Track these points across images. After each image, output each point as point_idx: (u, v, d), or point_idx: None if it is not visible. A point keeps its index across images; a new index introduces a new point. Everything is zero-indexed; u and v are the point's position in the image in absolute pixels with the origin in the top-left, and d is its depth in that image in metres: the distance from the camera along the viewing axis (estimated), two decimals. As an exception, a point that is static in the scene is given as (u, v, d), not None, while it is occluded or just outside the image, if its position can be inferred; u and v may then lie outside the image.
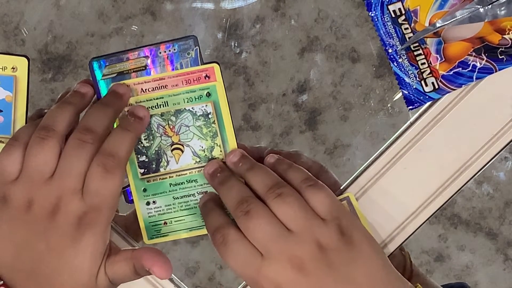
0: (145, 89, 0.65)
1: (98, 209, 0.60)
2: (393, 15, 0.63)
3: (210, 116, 0.65)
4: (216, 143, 0.66)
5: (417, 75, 0.64)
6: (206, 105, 0.65)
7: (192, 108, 0.65)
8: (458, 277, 1.58)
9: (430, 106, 0.65)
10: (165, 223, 0.66)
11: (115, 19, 1.46)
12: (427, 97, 0.64)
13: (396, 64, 0.64)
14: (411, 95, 0.64)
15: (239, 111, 1.49)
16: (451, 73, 0.63)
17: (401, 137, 0.65)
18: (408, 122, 0.66)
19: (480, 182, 1.55)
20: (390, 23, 0.64)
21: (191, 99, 0.65)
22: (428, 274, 1.55)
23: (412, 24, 0.63)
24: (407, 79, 0.64)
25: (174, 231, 0.67)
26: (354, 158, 1.52)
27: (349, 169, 1.51)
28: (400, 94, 0.64)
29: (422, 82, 0.64)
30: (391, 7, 0.63)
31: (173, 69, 0.65)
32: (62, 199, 0.59)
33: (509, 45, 0.63)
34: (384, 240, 0.66)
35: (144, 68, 0.65)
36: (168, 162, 0.66)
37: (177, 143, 0.66)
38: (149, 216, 0.66)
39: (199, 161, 0.66)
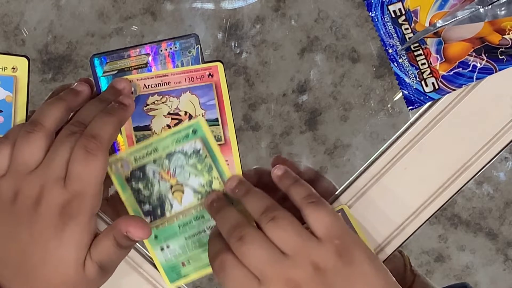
0: (148, 85, 0.65)
1: (81, 197, 0.59)
2: (393, 15, 0.63)
3: (201, 152, 0.66)
4: (214, 176, 0.66)
5: (417, 75, 0.64)
6: (195, 142, 0.65)
7: (182, 148, 0.65)
8: (458, 278, 1.58)
9: (430, 106, 0.65)
10: (183, 264, 0.67)
11: (115, 19, 1.46)
12: (427, 97, 0.64)
13: (396, 64, 0.64)
14: (411, 95, 0.64)
15: (239, 111, 1.49)
16: (451, 73, 0.63)
17: (401, 137, 0.65)
18: (408, 123, 0.66)
19: (480, 182, 1.55)
20: (390, 23, 0.64)
21: (178, 140, 0.65)
22: (428, 275, 1.55)
23: (412, 25, 0.63)
24: (407, 79, 0.64)
25: (194, 270, 0.67)
26: (354, 159, 1.52)
27: (349, 170, 1.51)
28: (400, 94, 0.64)
29: (422, 82, 0.64)
30: (391, 8, 0.63)
31: (174, 67, 0.65)
32: (44, 188, 0.59)
33: (509, 45, 0.63)
34: (384, 241, 0.66)
35: (145, 65, 0.65)
36: (171, 205, 0.66)
37: (176, 185, 0.66)
38: (166, 261, 0.67)
39: (202, 198, 0.66)
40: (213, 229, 0.66)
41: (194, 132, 0.65)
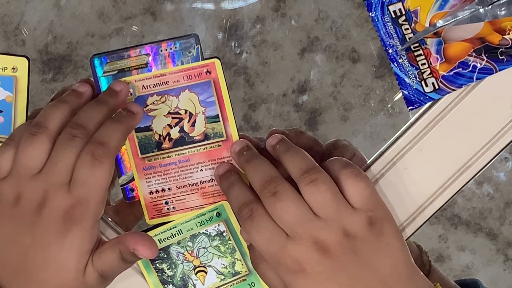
0: (147, 86, 0.65)
1: (85, 203, 0.59)
2: (394, 16, 0.63)
3: (224, 234, 0.66)
4: (237, 258, 0.67)
5: (417, 76, 0.64)
6: (219, 225, 0.66)
7: (205, 230, 0.66)
8: (458, 278, 1.58)
9: (430, 106, 0.65)
10: None
11: (115, 19, 1.46)
12: (427, 97, 0.64)
13: (396, 65, 0.64)
14: (411, 96, 0.64)
15: (239, 111, 1.49)
16: (451, 73, 0.63)
17: (401, 137, 0.65)
18: (409, 123, 0.66)
19: (480, 182, 1.55)
20: (390, 23, 0.64)
21: (202, 222, 0.66)
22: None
23: (413, 25, 0.63)
24: (407, 80, 0.64)
25: None
26: (354, 159, 1.51)
27: (349, 170, 1.51)
28: (401, 94, 0.64)
29: (422, 82, 0.64)
30: (391, 8, 0.63)
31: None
32: (48, 193, 0.59)
33: (509, 45, 0.63)
34: (384, 241, 0.66)
35: (145, 65, 0.65)
36: (194, 285, 0.67)
37: (199, 266, 0.67)
38: None
39: (224, 278, 0.67)
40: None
41: (218, 215, 0.66)
